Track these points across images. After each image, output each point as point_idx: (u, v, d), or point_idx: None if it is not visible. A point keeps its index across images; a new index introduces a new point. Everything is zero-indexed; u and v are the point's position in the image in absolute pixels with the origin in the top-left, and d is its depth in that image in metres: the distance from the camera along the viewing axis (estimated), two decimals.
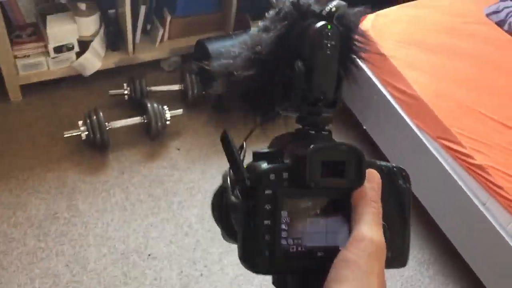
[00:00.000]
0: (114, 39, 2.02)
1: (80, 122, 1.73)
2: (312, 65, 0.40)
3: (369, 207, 0.38)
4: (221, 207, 0.43)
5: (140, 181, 1.76)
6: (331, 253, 0.36)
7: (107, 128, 1.76)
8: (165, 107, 1.85)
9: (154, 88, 1.98)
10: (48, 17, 1.80)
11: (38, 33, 1.86)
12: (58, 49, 1.84)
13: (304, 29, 0.40)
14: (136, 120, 1.84)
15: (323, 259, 0.37)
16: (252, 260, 0.38)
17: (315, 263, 0.38)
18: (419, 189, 1.58)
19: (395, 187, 0.41)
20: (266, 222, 0.37)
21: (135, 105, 1.94)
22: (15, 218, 1.59)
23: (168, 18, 2.05)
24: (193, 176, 1.81)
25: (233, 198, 0.39)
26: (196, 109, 1.99)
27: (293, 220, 0.38)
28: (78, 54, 1.91)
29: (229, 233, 0.43)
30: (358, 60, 0.43)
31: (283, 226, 0.37)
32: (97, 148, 1.79)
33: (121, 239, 1.60)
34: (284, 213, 0.37)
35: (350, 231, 0.38)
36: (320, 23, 0.39)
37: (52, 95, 1.98)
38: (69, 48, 1.86)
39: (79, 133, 1.73)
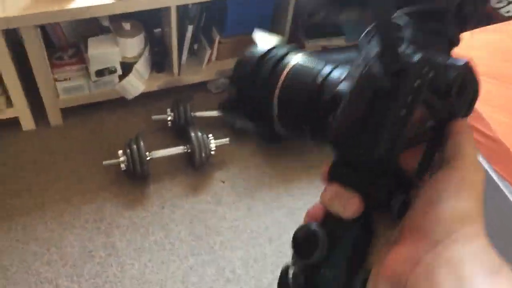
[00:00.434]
0: (159, 60, 1.90)
1: (120, 152, 1.62)
2: None
3: (471, 139, 0.36)
4: (265, 91, 0.38)
5: (181, 217, 1.63)
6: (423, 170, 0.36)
7: (148, 158, 1.64)
8: (210, 135, 1.71)
9: (199, 114, 1.85)
10: (90, 40, 1.70)
11: (79, 55, 1.77)
12: (100, 73, 1.74)
13: None
14: (178, 149, 1.71)
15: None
16: (368, 143, 0.34)
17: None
18: (495, 241, 1.36)
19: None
20: (402, 113, 0.33)
21: (179, 131, 1.82)
22: (49, 255, 1.50)
23: (217, 38, 1.92)
24: (239, 212, 1.66)
25: (380, 70, 0.33)
26: (244, 138, 1.85)
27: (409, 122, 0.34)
28: (121, 77, 1.80)
29: (264, 127, 0.40)
30: None
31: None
32: (137, 179, 1.68)
33: (159, 283, 1.47)
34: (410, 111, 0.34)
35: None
36: None
37: (93, 119, 1.88)
38: (111, 71, 1.76)
39: (119, 163, 1.62)
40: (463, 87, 0.35)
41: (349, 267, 0.35)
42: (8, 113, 1.73)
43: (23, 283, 1.43)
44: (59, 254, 1.50)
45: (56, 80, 1.73)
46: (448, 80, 0.34)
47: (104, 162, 1.62)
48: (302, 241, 0.37)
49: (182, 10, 1.77)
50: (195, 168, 1.73)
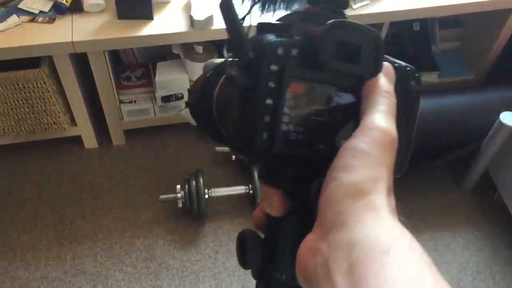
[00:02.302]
0: None
1: (178, 187, 1.51)
2: None
3: (383, 97, 0.33)
4: (206, 98, 0.39)
5: (235, 267, 1.50)
6: (334, 148, 0.32)
7: (207, 196, 1.52)
8: None
9: None
10: (159, 65, 1.60)
11: (147, 77, 1.67)
12: (166, 99, 1.64)
13: None
14: (240, 189, 1.58)
15: (324, 152, 0.34)
16: (249, 143, 0.33)
17: (315, 154, 0.34)
18: None
19: (406, 87, 0.38)
20: (268, 101, 0.32)
21: (243, 166, 1.69)
22: None
23: None
24: None
25: (232, 71, 0.32)
26: None
27: (297, 105, 0.33)
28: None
29: (214, 133, 0.40)
30: None
31: (286, 110, 0.33)
32: (193, 217, 1.57)
33: None
34: (288, 95, 0.33)
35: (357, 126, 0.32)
36: None
37: (155, 142, 1.79)
38: (178, 97, 1.65)
39: (176, 199, 1.51)
40: (344, 47, 0.33)
41: None
42: (72, 131, 1.68)
43: None
44: None
45: (121, 101, 1.65)
46: (317, 47, 0.32)
47: (161, 197, 1.52)
48: (239, 250, 0.37)
49: None
50: None
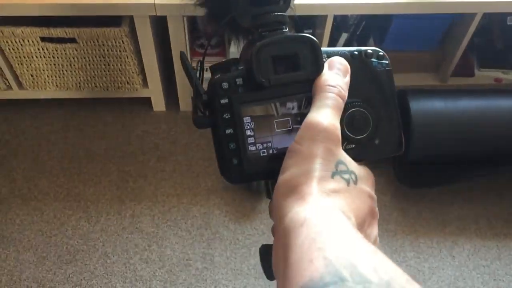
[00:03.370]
0: None
1: None
2: None
3: (324, 92, 0.36)
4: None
5: None
6: None
7: None
8: None
9: None
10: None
11: (222, 46, 1.66)
12: None
13: None
14: None
15: None
16: (225, 170, 0.38)
17: None
18: None
19: (371, 70, 0.40)
20: (228, 131, 0.37)
21: None
22: (149, 252, 1.47)
23: None
24: None
25: (193, 116, 0.38)
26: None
27: (258, 125, 0.37)
28: None
29: None
30: None
31: (249, 132, 0.37)
32: (252, 191, 1.57)
33: None
34: (247, 119, 0.37)
35: None
36: None
37: None
38: None
39: None
40: (281, 60, 0.36)
41: None
42: (143, 93, 1.70)
43: (119, 276, 1.42)
44: (159, 254, 1.46)
45: (193, 68, 1.65)
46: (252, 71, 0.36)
47: None
48: (261, 264, 0.41)
49: (340, 16, 1.57)
50: None
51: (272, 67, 0.36)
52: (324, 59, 0.38)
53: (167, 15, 1.41)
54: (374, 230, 0.37)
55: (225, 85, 0.37)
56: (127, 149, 1.68)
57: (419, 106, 1.46)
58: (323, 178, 0.33)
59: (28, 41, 1.47)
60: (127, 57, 1.53)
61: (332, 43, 1.62)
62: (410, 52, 1.72)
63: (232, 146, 0.37)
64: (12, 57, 1.52)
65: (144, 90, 1.69)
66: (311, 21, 1.67)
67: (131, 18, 1.44)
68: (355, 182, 0.35)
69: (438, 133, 1.46)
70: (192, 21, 1.66)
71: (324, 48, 0.39)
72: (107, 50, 1.51)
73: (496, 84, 1.78)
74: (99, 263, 1.43)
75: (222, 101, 0.37)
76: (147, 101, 1.76)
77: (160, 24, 1.53)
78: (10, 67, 1.57)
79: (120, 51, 1.51)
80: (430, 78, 1.78)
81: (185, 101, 1.75)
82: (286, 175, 0.34)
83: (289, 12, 0.42)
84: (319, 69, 0.37)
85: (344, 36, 1.63)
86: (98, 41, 1.48)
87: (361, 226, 0.35)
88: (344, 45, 1.68)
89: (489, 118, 1.49)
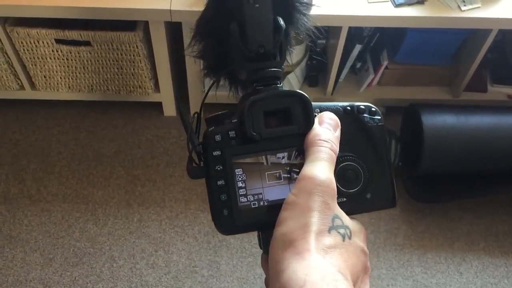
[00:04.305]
0: (314, 73, 1.73)
1: None
2: (243, 21, 0.39)
3: (316, 146, 0.37)
4: None
5: None
6: None
7: None
8: None
9: None
10: None
11: None
12: None
13: None
14: None
15: None
16: (217, 221, 0.38)
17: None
18: None
19: (363, 125, 0.40)
20: (219, 182, 0.37)
21: None
22: (155, 257, 1.46)
23: (385, 63, 1.68)
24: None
25: (188, 166, 0.39)
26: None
27: (250, 177, 0.38)
28: None
29: None
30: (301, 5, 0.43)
31: (240, 184, 0.38)
32: None
33: None
34: (239, 171, 0.38)
35: None
36: None
37: None
38: None
39: None
40: (273, 115, 0.38)
41: None
42: (154, 97, 1.71)
43: (125, 281, 1.41)
44: (165, 259, 1.46)
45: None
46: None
47: None
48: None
49: (354, 27, 1.56)
50: None
51: (263, 121, 0.38)
52: (316, 114, 0.39)
53: (182, 21, 1.41)
54: (367, 286, 0.38)
55: (218, 137, 0.38)
56: (136, 153, 1.68)
57: (431, 121, 1.45)
58: (320, 233, 0.34)
59: (43, 42, 1.48)
60: (140, 61, 1.54)
61: (345, 54, 1.62)
62: (423, 66, 1.71)
63: (223, 197, 0.38)
64: (26, 57, 1.53)
65: (156, 94, 1.70)
66: (325, 31, 1.67)
67: (145, 23, 1.45)
68: (350, 237, 0.36)
69: (449, 149, 1.45)
70: None
71: (316, 103, 0.40)
72: (121, 54, 1.52)
73: (509, 100, 1.77)
74: (105, 267, 1.43)
75: (215, 153, 0.38)
76: (158, 106, 1.76)
77: (174, 30, 1.53)
78: (24, 67, 1.58)
79: (133, 55, 1.52)
80: (442, 92, 1.77)
81: (196, 107, 1.75)
82: (283, 228, 0.34)
83: (306, 25, 0.45)
84: (310, 124, 0.38)
85: (358, 48, 1.63)
86: (112, 45, 1.49)
87: (355, 283, 0.35)
88: (358, 56, 1.68)
89: (501, 134, 1.48)
